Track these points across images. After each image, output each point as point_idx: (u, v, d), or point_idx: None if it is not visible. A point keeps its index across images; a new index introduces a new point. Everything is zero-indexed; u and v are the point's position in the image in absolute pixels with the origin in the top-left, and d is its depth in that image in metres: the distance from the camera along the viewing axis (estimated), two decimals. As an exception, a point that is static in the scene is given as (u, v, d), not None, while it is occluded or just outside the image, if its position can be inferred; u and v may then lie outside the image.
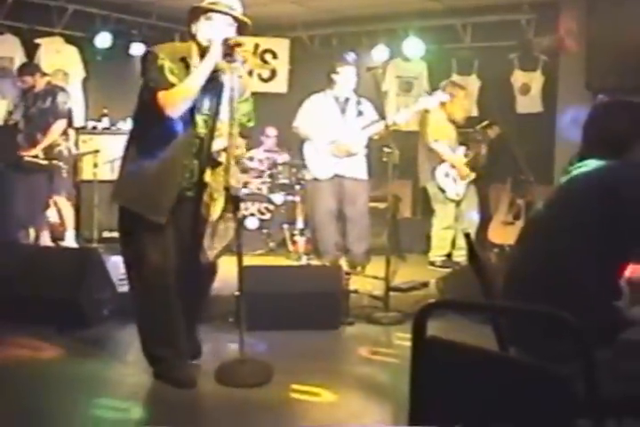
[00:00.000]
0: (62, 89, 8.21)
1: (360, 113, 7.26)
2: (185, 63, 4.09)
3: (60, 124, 7.93)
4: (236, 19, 4.21)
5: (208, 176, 4.24)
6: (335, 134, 7.15)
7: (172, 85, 3.97)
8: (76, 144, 8.37)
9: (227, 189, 4.19)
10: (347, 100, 7.31)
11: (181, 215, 4.29)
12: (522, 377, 1.75)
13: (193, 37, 4.21)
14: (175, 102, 3.98)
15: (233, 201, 4.22)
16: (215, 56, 4.04)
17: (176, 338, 4.36)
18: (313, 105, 7.36)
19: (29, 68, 8.20)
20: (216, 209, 4.22)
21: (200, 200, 4.28)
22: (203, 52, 4.12)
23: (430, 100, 7.22)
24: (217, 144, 4.23)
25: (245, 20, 4.24)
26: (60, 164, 7.89)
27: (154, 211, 4.18)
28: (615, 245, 2.64)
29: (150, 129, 4.16)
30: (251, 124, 4.55)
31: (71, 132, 8.27)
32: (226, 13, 4.16)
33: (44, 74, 8.23)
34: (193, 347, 4.61)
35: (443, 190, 8.05)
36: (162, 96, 3.96)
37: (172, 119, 4.04)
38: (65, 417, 3.97)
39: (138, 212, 4.20)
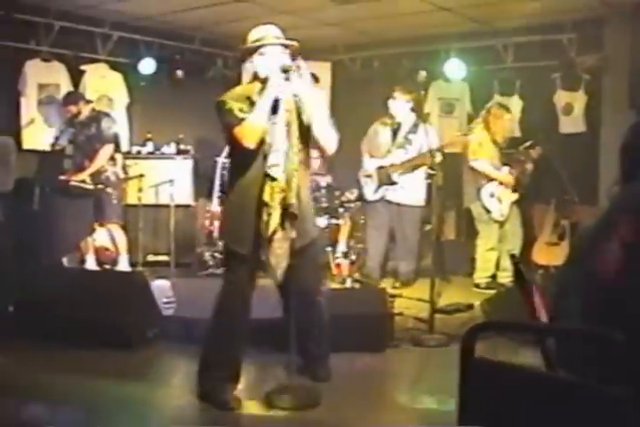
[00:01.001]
0: (106, 114, 8.31)
1: (408, 141, 7.33)
2: (251, 101, 4.29)
3: (107, 150, 8.04)
4: (285, 46, 4.40)
5: (266, 193, 4.27)
6: (382, 161, 7.35)
7: (244, 120, 4.20)
8: (124, 169, 8.40)
9: (284, 206, 4.24)
10: (399, 126, 7.40)
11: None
12: (572, 398, 1.73)
13: (255, 75, 4.40)
14: (247, 134, 4.21)
15: (290, 218, 4.25)
16: (275, 84, 4.21)
17: (227, 361, 4.44)
18: (372, 129, 7.59)
19: (73, 96, 8.33)
20: (270, 226, 4.24)
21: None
22: (264, 86, 4.29)
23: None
24: (272, 159, 4.28)
25: (293, 43, 4.44)
26: (109, 189, 7.97)
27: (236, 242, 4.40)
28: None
29: (238, 167, 4.43)
30: None
31: (118, 157, 8.35)
32: (276, 44, 4.36)
33: (88, 101, 8.33)
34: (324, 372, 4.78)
35: (488, 211, 8.00)
36: (236, 131, 4.22)
37: (252, 152, 4.24)
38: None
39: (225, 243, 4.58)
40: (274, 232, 4.21)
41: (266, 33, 4.42)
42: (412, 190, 7.59)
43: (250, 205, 4.29)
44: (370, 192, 7.80)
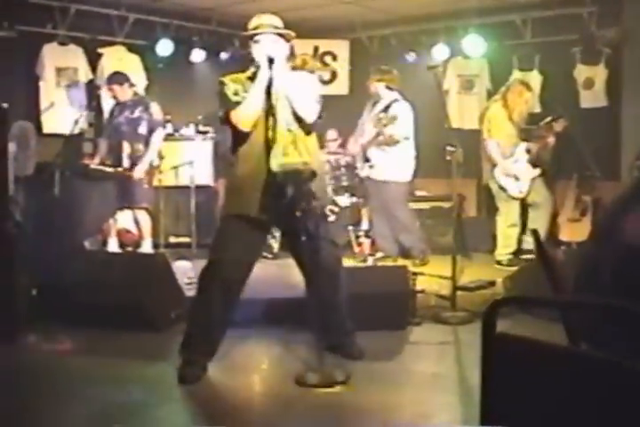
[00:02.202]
0: (151, 100, 8.29)
1: (379, 120, 7.42)
2: (251, 80, 4.57)
3: (159, 134, 8.07)
4: (280, 34, 4.67)
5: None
6: (362, 139, 7.49)
7: (238, 103, 4.50)
8: (159, 154, 8.38)
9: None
10: (374, 103, 7.52)
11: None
12: (597, 372, 1.71)
13: (251, 60, 4.67)
14: (242, 119, 4.50)
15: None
16: (265, 72, 4.47)
17: (202, 338, 4.63)
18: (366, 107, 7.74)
19: (119, 77, 8.21)
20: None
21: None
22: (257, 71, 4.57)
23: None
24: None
25: (288, 32, 4.71)
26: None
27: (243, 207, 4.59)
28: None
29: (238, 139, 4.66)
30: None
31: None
32: (268, 33, 4.61)
33: (132, 84, 8.31)
34: (351, 347, 4.89)
35: (504, 189, 7.96)
36: (232, 115, 4.52)
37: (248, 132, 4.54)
38: (135, 418, 4.04)
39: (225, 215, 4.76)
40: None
41: (262, 21, 4.66)
42: (391, 167, 7.62)
43: (254, 171, 4.53)
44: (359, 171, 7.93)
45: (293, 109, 4.57)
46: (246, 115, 4.49)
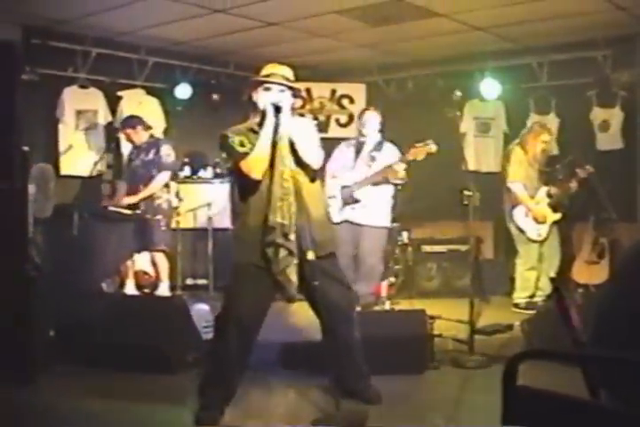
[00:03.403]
0: (165, 142, 8.38)
1: (373, 159, 7.32)
2: (253, 132, 4.64)
3: (163, 176, 8.12)
4: (290, 87, 4.71)
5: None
6: (346, 181, 7.30)
7: (246, 154, 4.53)
8: (177, 196, 8.45)
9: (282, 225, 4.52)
10: (362, 144, 7.42)
11: None
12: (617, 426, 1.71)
13: (254, 106, 4.72)
14: (252, 167, 4.53)
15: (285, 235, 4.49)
16: (272, 119, 4.51)
17: (219, 382, 4.61)
18: (337, 150, 7.56)
19: (131, 121, 8.38)
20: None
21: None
22: (263, 119, 4.60)
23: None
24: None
25: (297, 87, 4.80)
26: (159, 217, 8.04)
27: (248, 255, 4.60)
28: None
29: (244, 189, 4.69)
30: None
31: (172, 185, 8.43)
32: (281, 84, 4.67)
33: (148, 127, 8.40)
34: (368, 392, 4.85)
35: (522, 231, 7.97)
36: (243, 165, 4.54)
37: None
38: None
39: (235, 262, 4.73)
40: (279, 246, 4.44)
41: (274, 71, 4.73)
42: (374, 211, 7.45)
43: (257, 223, 4.53)
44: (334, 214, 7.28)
45: (298, 157, 4.61)
46: (257, 163, 4.51)
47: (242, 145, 4.57)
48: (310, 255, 4.42)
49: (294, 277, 4.47)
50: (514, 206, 8.00)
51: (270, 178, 4.52)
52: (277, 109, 4.50)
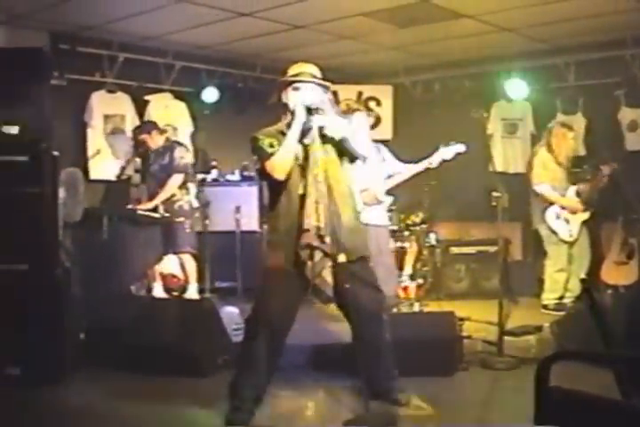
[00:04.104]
0: (180, 144, 8.43)
1: (383, 160, 7.27)
2: (284, 134, 4.59)
3: (176, 179, 8.13)
4: (319, 84, 4.73)
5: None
6: (364, 183, 7.20)
7: (272, 155, 4.53)
8: (198, 197, 8.49)
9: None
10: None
11: None
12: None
13: (285, 107, 4.71)
14: (276, 167, 4.52)
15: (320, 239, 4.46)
16: (301, 119, 4.52)
17: (248, 386, 4.60)
18: None
19: (145, 126, 8.48)
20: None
21: None
22: (292, 119, 4.60)
23: (448, 151, 7.05)
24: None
25: (326, 84, 4.77)
26: (181, 218, 8.07)
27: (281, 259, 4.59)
28: None
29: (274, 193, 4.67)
30: None
31: (192, 187, 8.44)
32: (310, 82, 4.68)
33: (163, 131, 8.44)
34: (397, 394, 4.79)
35: (555, 232, 7.94)
36: (267, 164, 4.54)
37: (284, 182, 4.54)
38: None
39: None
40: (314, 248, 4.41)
41: (302, 69, 4.74)
42: (373, 210, 7.35)
43: (290, 226, 4.51)
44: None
45: (341, 152, 4.63)
46: (280, 162, 4.50)
47: (271, 146, 4.55)
48: (342, 258, 4.44)
49: (330, 279, 4.46)
50: (545, 208, 7.96)
51: (304, 180, 4.50)
52: (309, 111, 4.51)
